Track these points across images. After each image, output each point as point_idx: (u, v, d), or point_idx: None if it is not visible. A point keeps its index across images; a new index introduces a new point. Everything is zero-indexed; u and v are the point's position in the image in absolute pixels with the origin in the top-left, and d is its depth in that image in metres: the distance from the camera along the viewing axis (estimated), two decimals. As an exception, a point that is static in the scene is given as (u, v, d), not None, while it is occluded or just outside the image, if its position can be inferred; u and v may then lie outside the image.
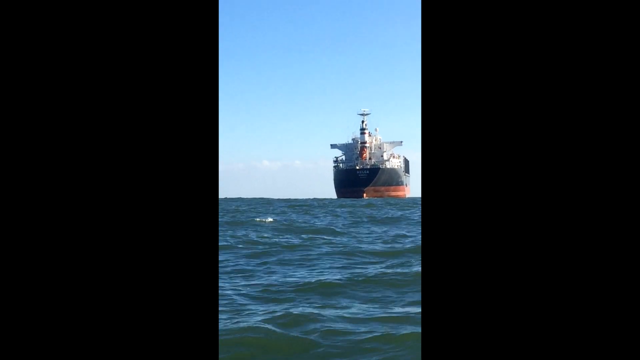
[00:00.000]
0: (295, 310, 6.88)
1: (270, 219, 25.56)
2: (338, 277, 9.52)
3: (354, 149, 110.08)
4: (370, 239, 17.31)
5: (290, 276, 9.92)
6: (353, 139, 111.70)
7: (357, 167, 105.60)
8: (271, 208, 42.02)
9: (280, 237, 18.09)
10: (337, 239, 17.62)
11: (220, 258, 11.88)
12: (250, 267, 11.09)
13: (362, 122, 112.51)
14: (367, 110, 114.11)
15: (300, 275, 10.08)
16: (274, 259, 12.37)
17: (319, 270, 10.66)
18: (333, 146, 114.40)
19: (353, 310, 7.12)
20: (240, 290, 8.65)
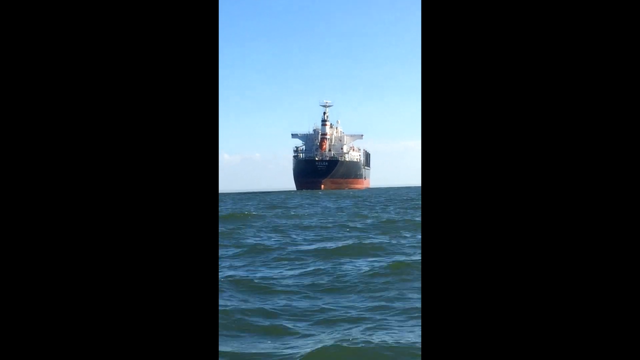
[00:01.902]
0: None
1: None
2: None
3: (314, 140, 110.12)
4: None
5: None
6: (314, 130, 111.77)
7: (317, 159, 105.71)
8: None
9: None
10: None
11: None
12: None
13: (324, 113, 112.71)
14: (329, 102, 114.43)
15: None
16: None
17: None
18: (294, 136, 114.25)
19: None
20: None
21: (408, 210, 28.87)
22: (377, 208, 32.66)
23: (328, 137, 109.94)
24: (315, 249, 13.42)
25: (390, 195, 59.98)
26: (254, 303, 7.73)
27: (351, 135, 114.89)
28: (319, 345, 5.66)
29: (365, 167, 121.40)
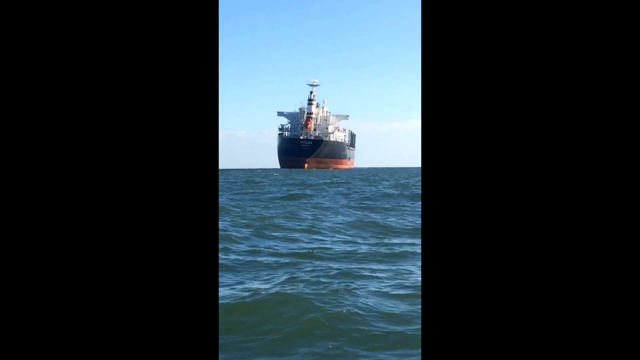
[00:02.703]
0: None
1: None
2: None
3: (299, 119, 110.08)
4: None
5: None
6: (300, 109, 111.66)
7: (301, 137, 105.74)
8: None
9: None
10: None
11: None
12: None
13: (311, 92, 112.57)
14: (316, 81, 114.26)
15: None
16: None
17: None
18: (280, 114, 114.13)
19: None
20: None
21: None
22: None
23: (314, 116, 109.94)
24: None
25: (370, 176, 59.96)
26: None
27: (337, 116, 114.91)
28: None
29: (350, 148, 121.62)
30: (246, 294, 6.77)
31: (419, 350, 4.31)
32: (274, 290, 6.88)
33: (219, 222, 11.90)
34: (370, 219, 15.38)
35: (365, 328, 5.58)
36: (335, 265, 8.83)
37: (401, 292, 6.93)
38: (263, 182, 39.76)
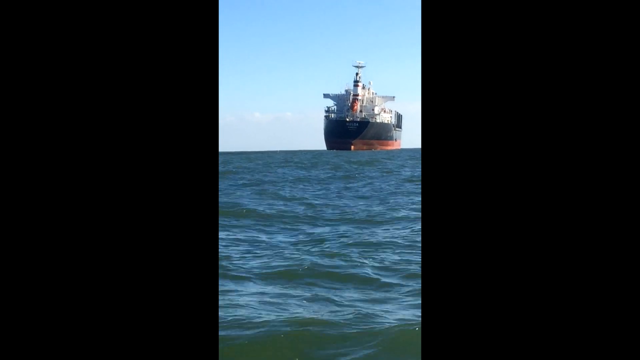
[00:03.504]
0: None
1: None
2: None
3: (345, 101, 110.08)
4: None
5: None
6: (346, 91, 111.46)
7: (347, 119, 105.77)
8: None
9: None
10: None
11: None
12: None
13: (357, 74, 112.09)
14: (362, 63, 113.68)
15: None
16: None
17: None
18: (326, 96, 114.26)
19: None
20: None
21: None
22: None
23: (360, 98, 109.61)
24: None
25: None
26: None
27: (383, 97, 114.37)
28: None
29: (397, 129, 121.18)
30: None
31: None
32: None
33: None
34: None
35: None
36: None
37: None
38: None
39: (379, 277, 7.43)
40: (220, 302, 5.77)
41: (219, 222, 9.74)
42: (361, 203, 16.50)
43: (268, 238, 10.68)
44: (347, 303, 6.30)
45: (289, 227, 12.08)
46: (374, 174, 29.15)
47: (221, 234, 10.59)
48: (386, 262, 8.25)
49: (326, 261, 8.30)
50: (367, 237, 10.53)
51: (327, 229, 11.80)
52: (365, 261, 8.33)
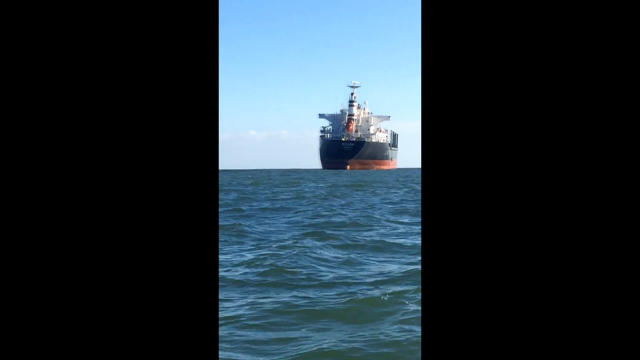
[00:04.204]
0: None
1: None
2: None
3: (341, 120, 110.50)
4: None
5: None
6: (341, 110, 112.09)
7: (343, 139, 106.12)
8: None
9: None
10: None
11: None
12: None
13: (352, 94, 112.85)
14: (357, 83, 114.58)
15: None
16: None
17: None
18: (321, 115, 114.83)
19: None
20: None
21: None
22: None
23: (355, 117, 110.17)
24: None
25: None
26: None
27: (378, 117, 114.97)
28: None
29: (392, 148, 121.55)
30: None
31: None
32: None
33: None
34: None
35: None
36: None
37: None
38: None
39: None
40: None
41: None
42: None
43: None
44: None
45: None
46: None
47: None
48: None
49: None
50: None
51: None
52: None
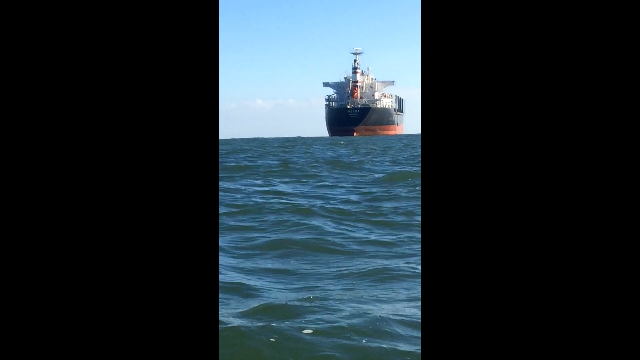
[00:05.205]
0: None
1: None
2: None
3: (345, 88, 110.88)
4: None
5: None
6: (345, 78, 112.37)
7: (348, 106, 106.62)
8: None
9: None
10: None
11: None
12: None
13: (355, 61, 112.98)
14: (359, 49, 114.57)
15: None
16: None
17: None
18: (325, 84, 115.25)
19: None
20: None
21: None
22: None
23: (359, 84, 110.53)
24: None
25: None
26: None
27: (382, 82, 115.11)
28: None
29: (398, 113, 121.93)
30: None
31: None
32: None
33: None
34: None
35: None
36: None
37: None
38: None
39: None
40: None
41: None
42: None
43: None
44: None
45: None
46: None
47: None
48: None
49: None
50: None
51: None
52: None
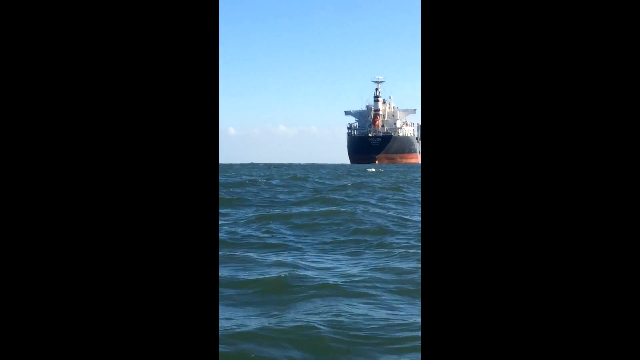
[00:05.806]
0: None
1: None
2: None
3: (367, 116, 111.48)
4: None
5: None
6: (367, 106, 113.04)
7: (370, 135, 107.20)
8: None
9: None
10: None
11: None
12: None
13: (376, 89, 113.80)
14: (381, 78, 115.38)
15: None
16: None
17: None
18: (347, 113, 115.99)
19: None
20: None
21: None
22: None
23: (381, 112, 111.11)
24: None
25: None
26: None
27: (404, 110, 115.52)
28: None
29: (419, 141, 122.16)
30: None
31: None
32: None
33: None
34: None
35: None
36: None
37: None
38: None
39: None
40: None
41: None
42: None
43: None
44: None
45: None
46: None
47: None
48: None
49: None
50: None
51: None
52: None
